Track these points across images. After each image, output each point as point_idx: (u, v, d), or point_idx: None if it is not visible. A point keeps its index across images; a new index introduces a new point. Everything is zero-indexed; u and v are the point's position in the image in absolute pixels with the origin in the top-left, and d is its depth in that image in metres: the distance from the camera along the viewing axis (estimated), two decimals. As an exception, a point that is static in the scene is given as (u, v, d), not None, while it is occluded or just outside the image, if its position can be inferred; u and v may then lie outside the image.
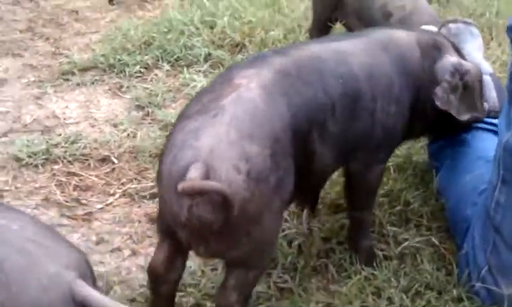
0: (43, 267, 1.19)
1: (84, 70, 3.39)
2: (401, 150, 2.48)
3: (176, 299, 1.82)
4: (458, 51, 2.08)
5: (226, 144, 1.39)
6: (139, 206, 2.44)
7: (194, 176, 1.33)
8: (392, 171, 2.38)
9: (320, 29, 3.19)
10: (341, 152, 1.76)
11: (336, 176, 2.30)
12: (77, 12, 4.32)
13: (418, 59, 1.92)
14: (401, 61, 1.88)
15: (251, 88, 1.51)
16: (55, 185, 2.50)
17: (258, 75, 1.56)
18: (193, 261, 1.98)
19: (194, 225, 1.40)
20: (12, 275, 1.16)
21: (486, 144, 2.14)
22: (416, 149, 2.55)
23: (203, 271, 2.03)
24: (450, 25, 2.45)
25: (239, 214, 1.38)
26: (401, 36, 1.96)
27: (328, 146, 1.68)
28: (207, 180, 1.35)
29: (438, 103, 1.91)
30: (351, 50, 1.80)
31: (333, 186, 2.33)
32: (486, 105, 2.16)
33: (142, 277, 2.04)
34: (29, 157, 2.64)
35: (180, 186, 1.32)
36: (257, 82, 1.54)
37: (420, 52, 1.93)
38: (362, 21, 2.94)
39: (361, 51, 1.82)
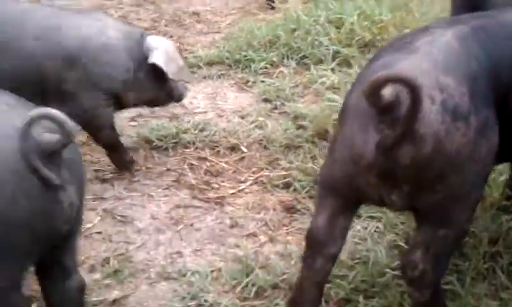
0: (8, 120, 1.27)
1: (210, 64, 3.35)
2: None
3: (324, 290, 1.64)
4: None
5: (419, 72, 1.25)
6: (272, 195, 2.30)
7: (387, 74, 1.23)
8: None
9: None
10: None
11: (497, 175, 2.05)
12: (198, 14, 4.34)
13: None
14: None
15: (446, 34, 1.39)
16: (188, 167, 2.42)
17: (453, 27, 1.43)
18: (342, 253, 1.79)
19: (381, 163, 1.24)
20: None
21: None
22: None
23: (352, 264, 1.84)
24: None
25: (432, 150, 1.22)
26: None
27: None
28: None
29: None
30: None
31: (496, 187, 2.07)
32: None
33: (283, 265, 1.89)
34: (159, 140, 2.59)
35: (374, 77, 1.21)
36: (453, 31, 1.40)
37: None
38: None
39: None
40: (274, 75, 3.22)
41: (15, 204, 1.23)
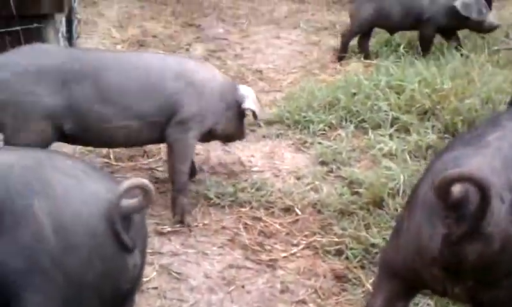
0: (87, 186, 1.39)
1: (270, 123, 3.44)
2: None
3: None
4: None
5: (489, 170, 1.27)
6: (324, 261, 2.33)
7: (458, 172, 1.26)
8: None
9: None
10: None
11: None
12: (261, 72, 4.49)
13: None
14: None
15: None
16: (242, 227, 2.49)
17: None
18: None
19: (447, 257, 1.27)
20: (58, 190, 1.36)
21: None
22: None
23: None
24: None
25: (500, 249, 1.23)
26: None
27: None
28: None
29: None
30: None
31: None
32: None
33: (330, 335, 1.90)
34: (217, 197, 2.68)
35: (445, 174, 1.23)
36: None
37: None
38: None
39: None
40: (332, 138, 3.28)
41: (90, 265, 1.33)
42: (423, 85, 3.49)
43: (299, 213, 2.62)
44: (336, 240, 2.42)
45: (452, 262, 1.28)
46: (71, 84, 2.36)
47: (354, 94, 3.56)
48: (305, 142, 3.26)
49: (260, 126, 3.39)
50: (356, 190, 2.71)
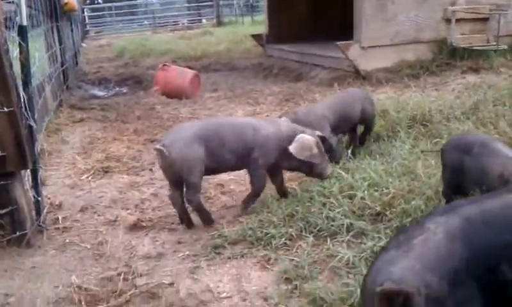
0: None
1: (234, 243, 3.61)
2: None
3: None
4: None
5: (411, 274, 1.72)
6: None
7: (388, 286, 1.72)
8: None
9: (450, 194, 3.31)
10: None
11: None
12: (222, 185, 4.70)
13: None
14: None
15: (437, 233, 1.81)
16: None
17: (446, 222, 1.85)
18: None
19: None
20: None
21: None
22: None
23: None
24: None
25: None
26: None
27: None
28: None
29: None
30: None
31: None
32: None
33: None
34: (189, 333, 2.78)
35: (379, 288, 1.70)
36: (443, 228, 1.82)
37: None
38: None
39: None
40: (294, 250, 3.45)
41: None
42: (372, 189, 3.74)
43: (268, 338, 2.74)
44: None
45: None
46: None
47: (311, 204, 3.79)
48: (269, 258, 3.42)
49: (225, 247, 3.56)
50: (319, 307, 2.86)
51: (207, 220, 3.99)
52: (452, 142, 3.43)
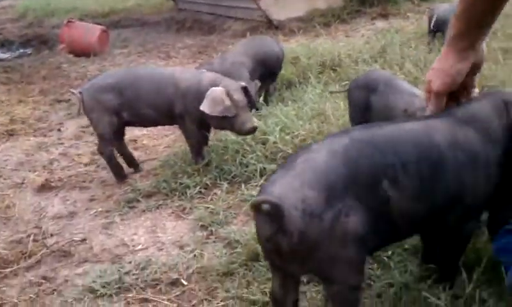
0: None
1: (149, 196, 3.56)
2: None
3: None
4: None
5: (289, 189, 1.76)
6: (214, 327, 2.47)
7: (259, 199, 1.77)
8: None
9: None
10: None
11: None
12: (135, 140, 4.59)
13: None
14: None
15: (320, 151, 1.84)
16: (130, 313, 2.57)
17: (331, 142, 1.88)
18: None
19: (270, 249, 1.82)
20: None
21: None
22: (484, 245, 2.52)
23: None
24: None
25: (298, 241, 1.74)
26: None
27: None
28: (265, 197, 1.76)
29: None
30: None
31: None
32: None
33: None
34: (103, 287, 2.74)
35: (251, 202, 1.80)
36: (328, 147, 1.85)
37: None
38: None
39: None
40: (209, 199, 3.46)
41: None
42: (284, 133, 3.79)
43: (185, 283, 2.74)
44: (222, 303, 2.57)
45: (274, 251, 1.83)
46: None
47: (225, 152, 3.79)
48: (184, 208, 3.41)
49: (139, 201, 3.50)
50: (235, 249, 2.90)
51: (118, 174, 3.88)
52: (358, 82, 3.50)
